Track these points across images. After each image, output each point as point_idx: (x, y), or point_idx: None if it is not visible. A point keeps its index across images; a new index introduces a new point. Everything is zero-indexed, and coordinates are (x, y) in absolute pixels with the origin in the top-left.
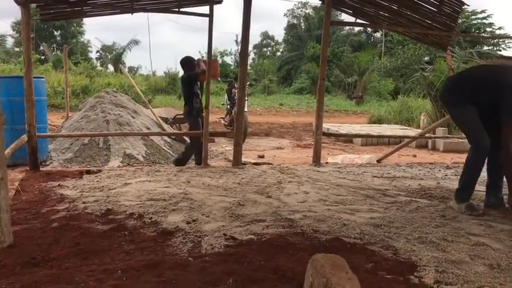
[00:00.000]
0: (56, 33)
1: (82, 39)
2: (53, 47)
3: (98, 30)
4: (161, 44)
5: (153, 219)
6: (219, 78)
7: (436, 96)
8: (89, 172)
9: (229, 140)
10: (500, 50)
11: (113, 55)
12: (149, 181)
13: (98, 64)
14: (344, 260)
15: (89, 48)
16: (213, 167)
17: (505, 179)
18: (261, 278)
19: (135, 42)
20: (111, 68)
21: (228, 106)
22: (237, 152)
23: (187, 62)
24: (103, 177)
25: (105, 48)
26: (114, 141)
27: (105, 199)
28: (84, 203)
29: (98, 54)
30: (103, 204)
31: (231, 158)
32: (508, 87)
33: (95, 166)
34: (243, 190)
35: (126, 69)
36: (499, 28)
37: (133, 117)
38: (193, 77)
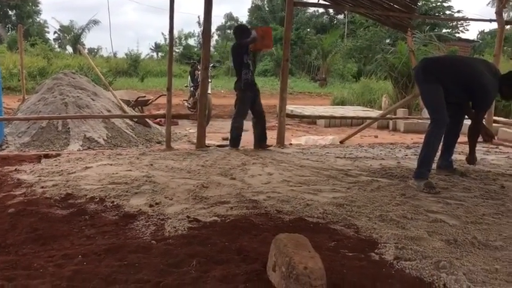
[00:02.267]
0: (10, 12)
1: (38, 19)
2: (8, 28)
3: (55, 10)
4: (122, 25)
5: (115, 203)
6: (272, 49)
7: (397, 78)
8: (47, 156)
9: (192, 123)
10: (458, 33)
11: (72, 36)
12: (111, 164)
13: (56, 45)
14: (307, 239)
15: (46, 29)
16: (176, 149)
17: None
18: (224, 259)
19: (95, 22)
20: (69, 49)
21: (192, 88)
22: (201, 135)
23: (240, 31)
24: (62, 161)
25: (64, 29)
26: (74, 125)
27: (64, 183)
28: (42, 187)
29: (56, 35)
30: (62, 189)
31: (195, 141)
32: (480, 88)
33: (53, 150)
34: (206, 172)
35: (86, 51)
36: (458, 11)
37: (94, 100)
38: (243, 45)
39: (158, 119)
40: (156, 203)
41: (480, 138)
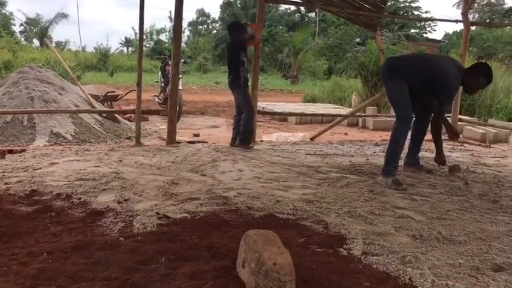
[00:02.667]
0: None
1: (4, 11)
2: None
3: (21, 2)
4: (92, 19)
5: (82, 200)
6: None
7: (366, 76)
8: (11, 152)
9: (163, 119)
10: (426, 33)
11: (39, 29)
12: (78, 160)
13: (22, 38)
14: (276, 235)
15: (12, 21)
16: (146, 145)
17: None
18: (194, 256)
19: (63, 15)
20: (36, 42)
21: (162, 84)
22: (171, 131)
23: (235, 27)
24: (27, 157)
25: (30, 22)
26: (40, 119)
27: (29, 180)
28: (6, 184)
29: (22, 27)
30: (27, 185)
31: (165, 137)
32: (445, 83)
33: (18, 145)
34: (177, 169)
35: (53, 44)
36: (425, 12)
37: (61, 94)
38: (240, 42)
39: (128, 115)
40: (125, 200)
41: (446, 136)
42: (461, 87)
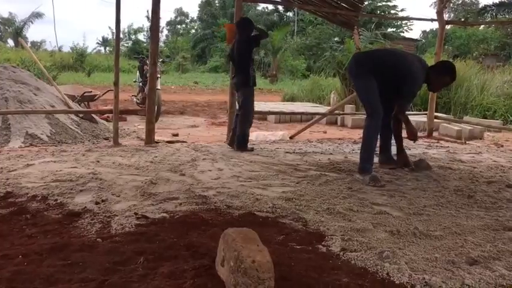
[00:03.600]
0: None
1: None
2: None
3: None
4: (68, 18)
5: (59, 201)
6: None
7: (344, 75)
8: None
9: (141, 119)
10: (403, 32)
11: (13, 29)
12: (54, 161)
13: None
14: (255, 233)
15: None
16: (124, 145)
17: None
18: (173, 255)
19: (38, 15)
20: (11, 42)
21: (140, 83)
22: (150, 130)
23: (246, 24)
24: (2, 159)
25: (4, 21)
26: (15, 120)
27: (4, 181)
28: None
29: None
30: (2, 187)
31: (144, 137)
32: (408, 75)
33: None
34: (155, 169)
35: (29, 44)
36: (402, 10)
37: (36, 95)
38: (255, 40)
39: (106, 115)
40: (103, 200)
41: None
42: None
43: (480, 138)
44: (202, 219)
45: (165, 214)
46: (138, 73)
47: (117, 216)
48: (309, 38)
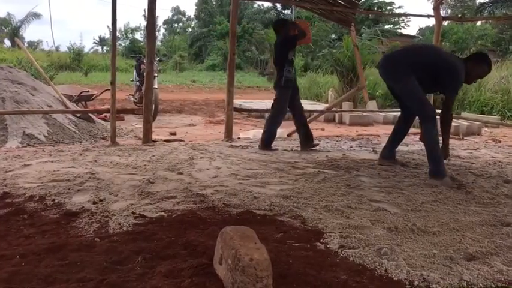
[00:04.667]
0: None
1: None
2: None
3: None
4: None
5: (56, 201)
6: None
7: (342, 72)
8: None
9: (139, 118)
10: (400, 29)
11: (10, 29)
12: (52, 161)
13: None
14: (253, 231)
15: None
16: (121, 145)
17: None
18: (171, 254)
19: (35, 15)
20: (7, 42)
21: (138, 83)
22: (147, 129)
23: (283, 24)
24: None
25: (1, 22)
26: (12, 121)
27: (1, 182)
28: None
29: None
30: None
31: (141, 136)
32: (450, 67)
33: None
34: (153, 167)
35: (25, 45)
36: (399, 7)
37: (33, 95)
38: (290, 40)
39: (103, 114)
40: (100, 200)
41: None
42: None
43: (478, 134)
44: (200, 218)
45: (162, 213)
46: (135, 72)
47: (114, 215)
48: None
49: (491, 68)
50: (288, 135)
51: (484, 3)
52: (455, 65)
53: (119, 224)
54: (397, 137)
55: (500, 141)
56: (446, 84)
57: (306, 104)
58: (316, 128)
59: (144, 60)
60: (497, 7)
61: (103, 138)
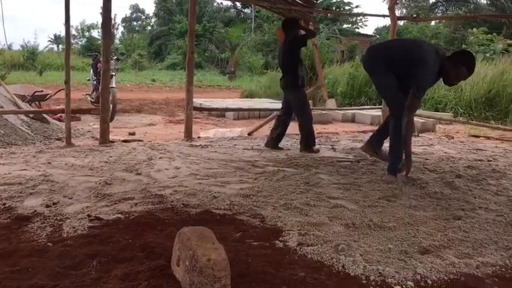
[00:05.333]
0: None
1: None
2: None
3: None
4: (18, 15)
5: (7, 205)
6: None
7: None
8: None
9: (96, 118)
10: (358, 28)
11: None
12: (3, 164)
13: None
14: (211, 231)
15: None
16: (77, 146)
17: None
18: (128, 257)
19: None
20: None
21: (94, 82)
22: (104, 130)
23: (294, 24)
24: None
25: None
26: None
27: None
28: None
29: None
30: None
31: (99, 137)
32: (418, 61)
33: None
34: (110, 169)
35: None
36: (356, 7)
37: None
38: (303, 40)
39: (58, 115)
40: (54, 203)
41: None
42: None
43: (432, 131)
44: (158, 219)
45: (119, 215)
46: (91, 71)
47: (69, 219)
48: (267, 35)
49: (471, 69)
50: (248, 134)
51: (438, 1)
52: (425, 63)
53: (74, 228)
54: (386, 128)
55: (453, 138)
56: (415, 78)
57: (267, 103)
58: None
59: (101, 59)
60: (450, 6)
61: (58, 139)
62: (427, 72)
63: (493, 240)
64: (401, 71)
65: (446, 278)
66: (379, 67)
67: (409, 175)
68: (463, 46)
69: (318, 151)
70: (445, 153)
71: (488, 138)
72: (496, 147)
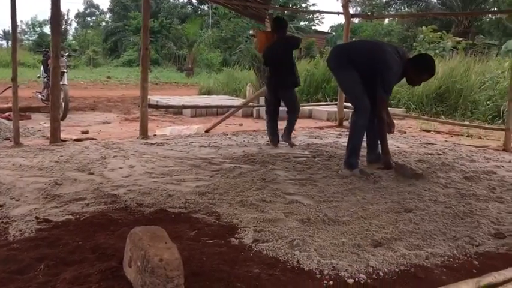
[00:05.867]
0: None
1: None
2: None
3: None
4: None
5: None
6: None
7: (259, 67)
8: None
9: (47, 116)
10: (315, 26)
11: None
12: None
13: None
14: (163, 231)
15: None
16: (26, 145)
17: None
18: (77, 259)
19: None
20: None
21: (45, 79)
22: (55, 128)
23: (285, 23)
24: None
25: None
26: None
27: None
28: None
29: None
30: None
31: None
32: (381, 64)
33: None
34: (61, 168)
35: None
36: (313, 4)
37: None
38: (296, 42)
39: (6, 113)
40: (0, 206)
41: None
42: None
43: None
44: (110, 220)
45: (70, 216)
46: (42, 68)
47: (15, 221)
48: (224, 31)
49: (432, 73)
50: (206, 131)
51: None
52: (387, 64)
53: (20, 231)
54: (369, 136)
55: (405, 132)
56: (379, 79)
57: (224, 100)
58: (235, 124)
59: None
60: (403, 5)
61: (6, 139)
62: (392, 75)
63: (441, 232)
64: (363, 72)
65: (397, 269)
66: (343, 65)
67: (363, 170)
68: (414, 44)
69: (294, 145)
70: (398, 147)
71: (438, 132)
72: (446, 141)
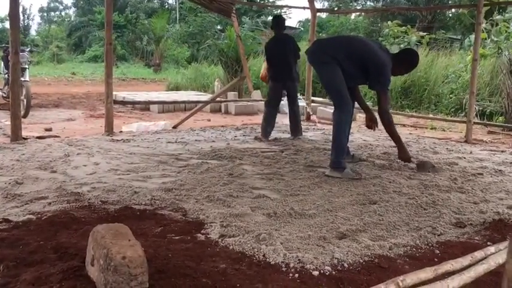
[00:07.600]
0: None
1: None
2: None
3: None
4: None
5: None
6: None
7: (227, 62)
8: None
9: (8, 114)
10: None
11: None
12: None
13: None
14: (127, 228)
15: None
16: None
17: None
18: (38, 260)
19: None
20: None
21: (6, 75)
22: (16, 126)
23: (284, 22)
24: None
25: None
26: None
27: None
28: None
29: None
30: None
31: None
32: (377, 63)
33: None
34: (22, 167)
35: None
36: None
37: None
38: (298, 50)
39: None
40: None
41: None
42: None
43: (353, 120)
44: (73, 218)
45: (31, 216)
46: (2, 64)
47: None
48: (191, 26)
49: (415, 65)
50: (173, 127)
51: None
52: (382, 61)
53: None
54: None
55: None
56: (374, 79)
57: (192, 95)
58: (203, 119)
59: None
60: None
61: None
62: (389, 70)
63: (405, 222)
64: (349, 67)
65: (361, 260)
66: (326, 60)
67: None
68: (380, 38)
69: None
70: (364, 140)
71: (404, 125)
72: (411, 133)
